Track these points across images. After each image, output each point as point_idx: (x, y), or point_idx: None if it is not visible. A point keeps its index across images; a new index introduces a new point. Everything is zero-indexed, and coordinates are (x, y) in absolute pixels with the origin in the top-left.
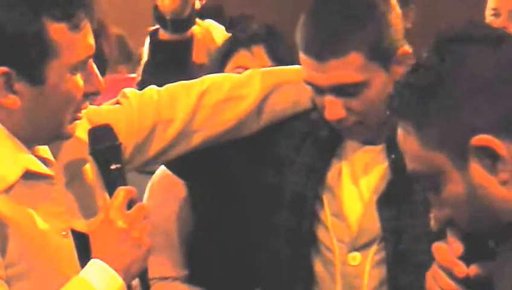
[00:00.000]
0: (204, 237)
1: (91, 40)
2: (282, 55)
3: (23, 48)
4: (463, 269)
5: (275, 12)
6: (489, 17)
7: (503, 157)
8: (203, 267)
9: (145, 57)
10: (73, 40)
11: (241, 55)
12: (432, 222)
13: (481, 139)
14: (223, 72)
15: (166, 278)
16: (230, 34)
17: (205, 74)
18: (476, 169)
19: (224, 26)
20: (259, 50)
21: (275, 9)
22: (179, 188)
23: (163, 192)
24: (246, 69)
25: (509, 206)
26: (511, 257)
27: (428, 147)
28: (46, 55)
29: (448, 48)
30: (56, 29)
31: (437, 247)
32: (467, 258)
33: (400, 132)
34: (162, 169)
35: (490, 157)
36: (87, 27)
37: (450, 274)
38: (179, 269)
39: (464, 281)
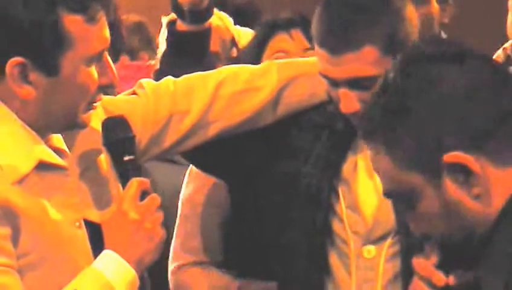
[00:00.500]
0: (238, 223)
1: (106, 33)
2: None
3: (38, 39)
4: (441, 278)
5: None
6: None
7: (476, 173)
8: (237, 253)
9: (161, 47)
10: (88, 32)
11: (280, 39)
12: None
13: (453, 156)
14: (260, 58)
15: (200, 263)
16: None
17: (225, 65)
18: (450, 185)
19: (229, 15)
20: (298, 33)
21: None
22: None
23: (200, 178)
24: (286, 52)
25: (482, 218)
26: (491, 268)
27: (400, 167)
28: (61, 46)
29: (414, 68)
30: (72, 21)
31: (416, 259)
32: (446, 268)
33: (371, 152)
34: None
35: (463, 173)
36: (103, 20)
37: (431, 285)
38: (212, 255)
39: None
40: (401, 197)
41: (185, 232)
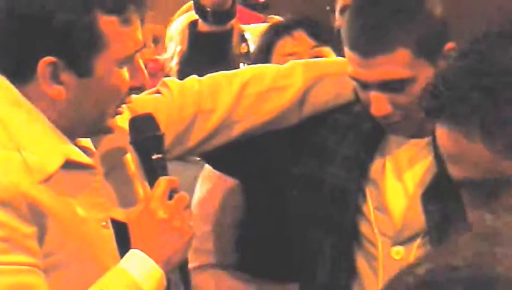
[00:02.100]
0: (253, 225)
1: (140, 35)
2: (323, 35)
3: (72, 39)
4: None
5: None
6: None
7: None
8: (252, 255)
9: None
10: (122, 34)
11: (284, 43)
12: None
13: None
14: (269, 63)
15: (216, 265)
16: (267, 26)
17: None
18: None
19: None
20: (300, 33)
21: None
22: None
23: (215, 180)
24: (293, 54)
25: None
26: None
27: (497, 154)
28: (95, 47)
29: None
30: (106, 22)
31: None
32: None
33: (455, 136)
34: None
35: None
36: (137, 22)
37: None
38: (227, 257)
39: None
40: (482, 187)
41: (200, 234)
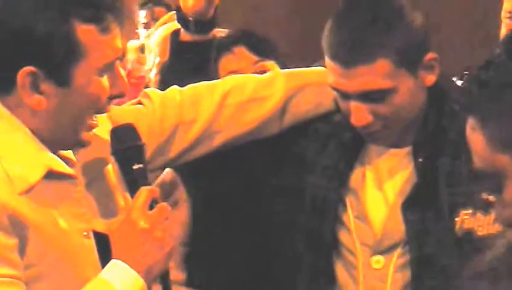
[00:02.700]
0: (221, 237)
1: (119, 43)
2: (265, 49)
3: (51, 48)
4: None
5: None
6: (505, 20)
7: None
8: (203, 271)
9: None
10: (101, 43)
11: (226, 61)
12: (458, 226)
13: None
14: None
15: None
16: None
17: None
18: None
19: None
20: (241, 49)
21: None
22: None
23: None
24: (235, 72)
25: None
26: None
27: (492, 147)
28: (73, 56)
29: None
30: (85, 31)
31: None
32: None
33: (468, 126)
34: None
35: None
36: (116, 30)
37: None
38: (179, 273)
39: None
40: (489, 179)
41: None
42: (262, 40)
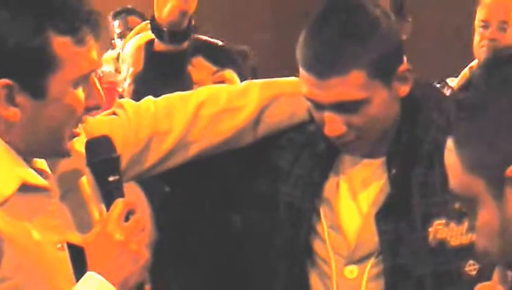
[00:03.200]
0: (195, 246)
1: (95, 55)
2: (223, 59)
3: (26, 61)
4: None
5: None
6: (478, 29)
7: None
8: (209, 273)
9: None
10: (76, 54)
11: (190, 72)
12: (431, 236)
13: None
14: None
15: None
16: None
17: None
18: (510, 200)
19: None
20: (199, 60)
21: None
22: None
23: None
24: (196, 83)
25: None
26: None
27: (466, 169)
28: (49, 68)
29: (498, 70)
30: (60, 43)
31: (481, 288)
32: None
33: (446, 147)
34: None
35: None
36: (91, 42)
37: None
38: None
39: None
40: (463, 201)
41: None
42: (219, 49)
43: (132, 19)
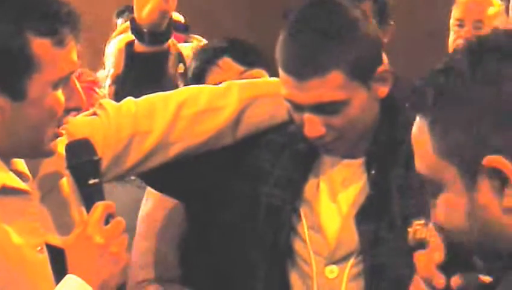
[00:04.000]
0: (193, 242)
1: (74, 56)
2: (251, 58)
3: (5, 62)
4: (441, 280)
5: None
6: (453, 27)
7: None
8: (197, 270)
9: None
10: (56, 56)
11: (212, 73)
12: (410, 236)
13: (494, 159)
14: None
15: (158, 280)
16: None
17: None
18: (483, 189)
19: None
20: (226, 60)
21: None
22: None
23: (158, 196)
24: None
25: (506, 234)
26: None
27: (439, 154)
28: (28, 70)
29: (484, 59)
30: (39, 45)
31: (418, 256)
32: (447, 269)
33: (415, 127)
34: None
35: (500, 180)
36: (71, 44)
37: (430, 285)
38: (169, 272)
39: None
40: (429, 183)
41: (144, 249)
42: (247, 49)
43: None
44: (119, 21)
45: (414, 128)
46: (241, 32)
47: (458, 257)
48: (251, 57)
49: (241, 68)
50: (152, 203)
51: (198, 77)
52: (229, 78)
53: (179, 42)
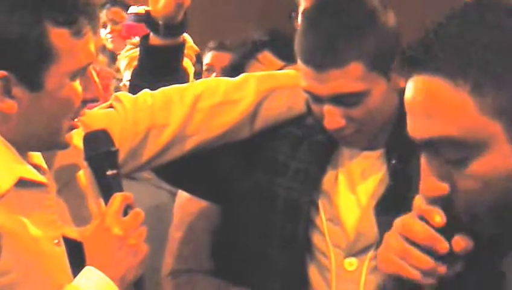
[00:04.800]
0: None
1: (92, 47)
2: (292, 53)
3: (23, 52)
4: (445, 245)
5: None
6: None
7: None
8: (228, 261)
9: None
10: (74, 46)
11: (251, 69)
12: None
13: None
14: None
15: (190, 271)
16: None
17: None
18: None
19: None
20: (266, 55)
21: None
22: None
23: None
24: None
25: None
26: None
27: (484, 112)
28: (46, 60)
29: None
30: (57, 35)
31: (408, 221)
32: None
33: (437, 88)
34: None
35: None
36: (89, 34)
37: (427, 251)
38: (202, 263)
39: (442, 259)
40: (457, 148)
41: (177, 239)
42: (287, 43)
43: (115, 10)
44: (102, 14)
45: (433, 91)
46: (252, 30)
47: (456, 220)
48: (291, 51)
49: (280, 63)
50: (186, 194)
51: (237, 71)
52: None
53: None
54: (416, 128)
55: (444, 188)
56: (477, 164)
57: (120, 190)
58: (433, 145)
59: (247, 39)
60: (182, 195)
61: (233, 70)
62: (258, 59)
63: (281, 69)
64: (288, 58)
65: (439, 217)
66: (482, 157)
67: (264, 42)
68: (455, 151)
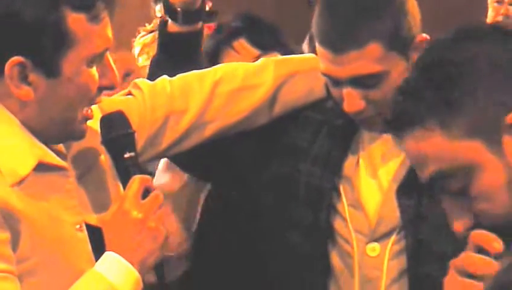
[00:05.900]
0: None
1: (109, 33)
2: (268, 42)
3: (40, 38)
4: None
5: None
6: (492, 4)
7: None
8: (205, 265)
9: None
10: (91, 32)
11: (226, 56)
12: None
13: None
14: None
15: None
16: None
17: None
18: (510, 146)
19: None
20: (241, 43)
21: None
22: None
23: (169, 172)
24: None
25: None
26: None
27: (458, 138)
28: (63, 45)
29: (460, 45)
30: (74, 19)
31: (470, 258)
32: None
33: (414, 139)
34: None
35: None
36: (106, 19)
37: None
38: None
39: None
40: (455, 177)
41: None
42: (264, 31)
43: None
44: (158, 7)
45: (412, 142)
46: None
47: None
48: (268, 39)
49: (256, 52)
50: (163, 180)
51: (212, 58)
52: (244, 61)
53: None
54: (419, 174)
55: (491, 263)
56: (477, 186)
57: (139, 172)
58: (437, 184)
59: (224, 25)
60: (160, 179)
61: (207, 57)
62: (234, 47)
63: (256, 58)
64: (264, 47)
65: (497, 244)
66: (478, 179)
67: (240, 29)
68: (455, 182)
